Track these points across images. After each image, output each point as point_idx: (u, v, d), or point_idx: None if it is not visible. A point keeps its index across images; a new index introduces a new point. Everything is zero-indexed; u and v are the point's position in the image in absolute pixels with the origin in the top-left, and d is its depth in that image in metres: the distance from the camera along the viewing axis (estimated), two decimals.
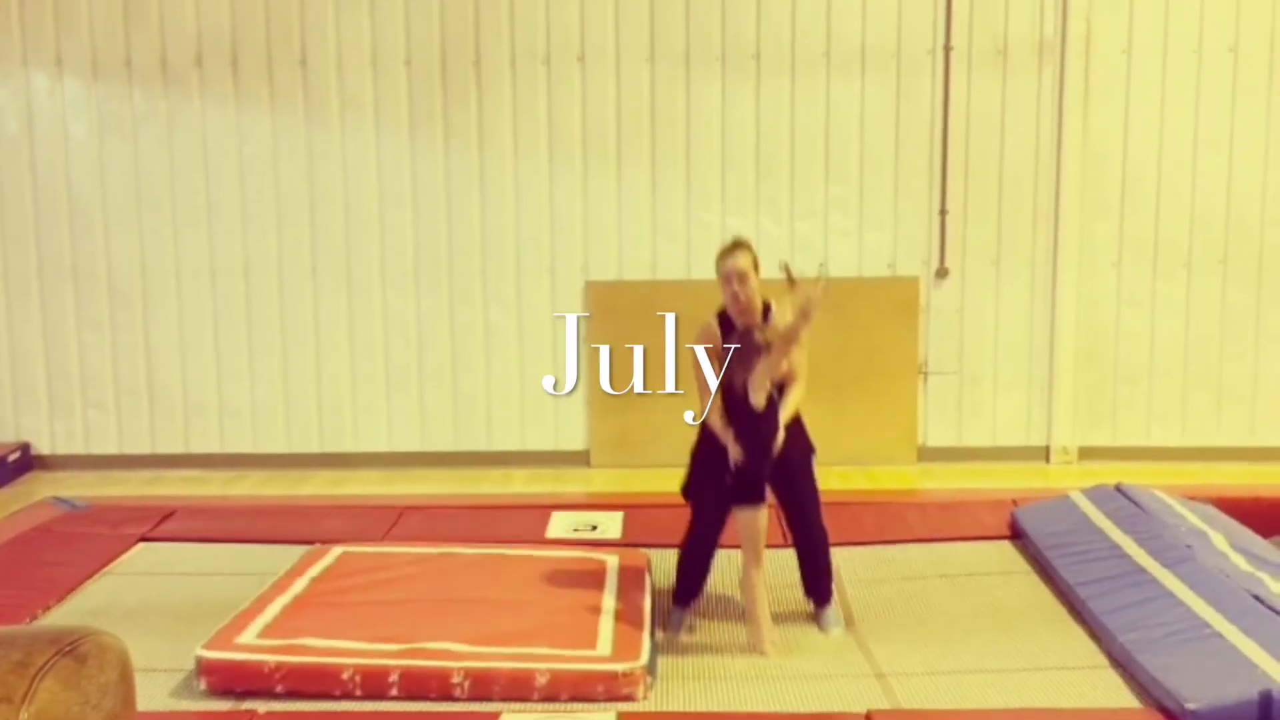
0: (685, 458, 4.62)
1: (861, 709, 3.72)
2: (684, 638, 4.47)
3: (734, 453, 4.27)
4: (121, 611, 4.59)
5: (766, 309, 4.50)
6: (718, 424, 4.39)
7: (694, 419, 4.54)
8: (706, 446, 4.47)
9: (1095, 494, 5.35)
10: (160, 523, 5.64)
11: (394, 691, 3.81)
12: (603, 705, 3.78)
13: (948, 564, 5.11)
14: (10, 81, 7.20)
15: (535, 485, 6.97)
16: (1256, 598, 4.05)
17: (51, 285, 7.32)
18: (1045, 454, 7.35)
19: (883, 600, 4.78)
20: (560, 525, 5.55)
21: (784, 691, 3.93)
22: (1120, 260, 7.26)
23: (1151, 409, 7.34)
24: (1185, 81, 7.11)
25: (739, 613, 4.61)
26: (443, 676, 3.82)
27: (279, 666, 3.82)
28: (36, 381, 7.40)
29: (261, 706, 3.76)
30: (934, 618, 4.56)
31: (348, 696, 3.81)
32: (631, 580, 4.70)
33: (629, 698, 3.82)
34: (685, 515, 4.78)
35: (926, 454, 7.34)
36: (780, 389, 4.42)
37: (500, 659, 3.89)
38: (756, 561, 4.34)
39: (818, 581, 4.67)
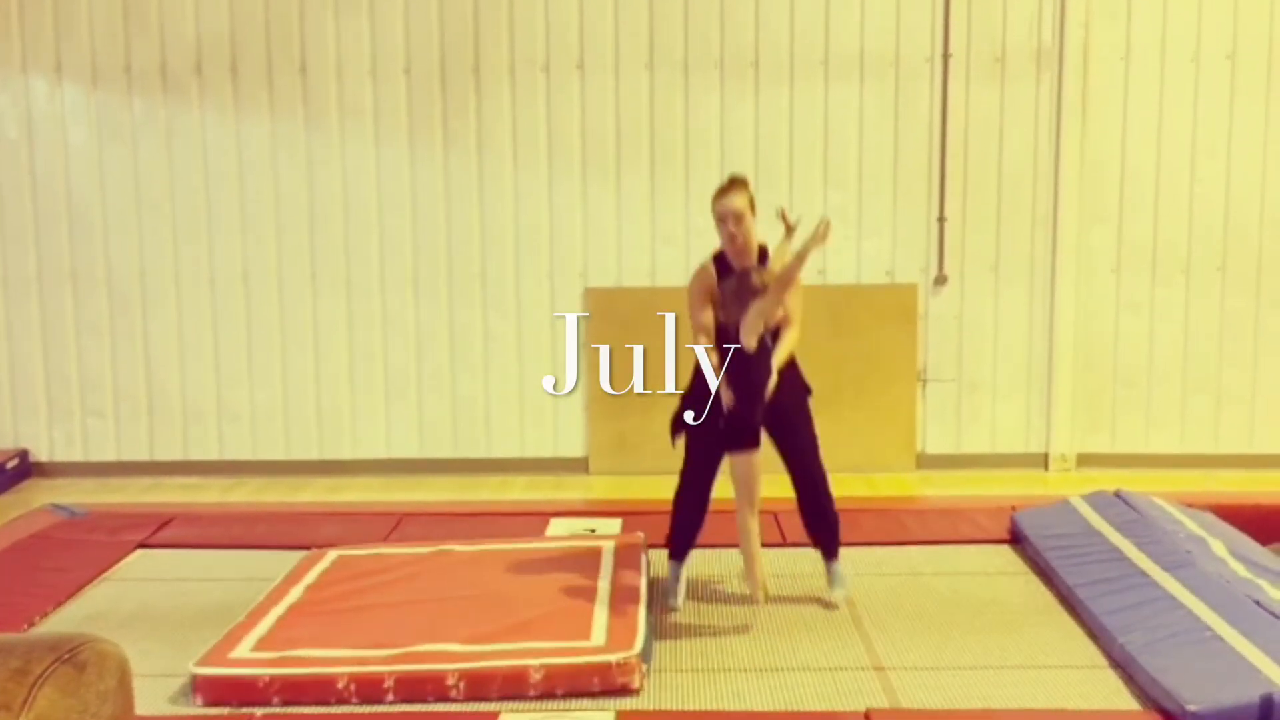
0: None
1: (861, 707, 3.73)
2: (678, 617, 4.45)
3: (726, 397, 4.22)
4: (120, 618, 4.59)
5: (763, 252, 4.43)
6: (711, 368, 4.33)
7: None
8: (699, 390, 4.40)
9: (1095, 499, 5.36)
10: (158, 529, 5.63)
11: (390, 697, 3.81)
12: (600, 701, 3.78)
13: (947, 564, 5.12)
14: (10, 87, 7.21)
15: (534, 492, 6.97)
16: (1256, 603, 4.05)
17: (51, 291, 7.33)
18: (1044, 461, 7.35)
19: (882, 592, 4.79)
20: (559, 531, 5.55)
21: (784, 684, 3.94)
22: (1119, 267, 7.27)
23: (1150, 416, 7.34)
24: (1183, 88, 7.12)
25: (737, 602, 4.62)
26: (438, 679, 3.82)
27: (273, 680, 3.81)
28: (35, 388, 7.40)
29: (260, 710, 3.76)
30: (934, 612, 4.57)
31: (344, 704, 3.81)
32: (627, 562, 4.71)
33: (625, 687, 3.83)
34: None
35: (925, 461, 7.35)
36: (775, 334, 4.37)
37: (494, 657, 3.89)
38: (751, 507, 4.30)
39: (824, 533, 4.62)
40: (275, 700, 3.80)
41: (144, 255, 7.30)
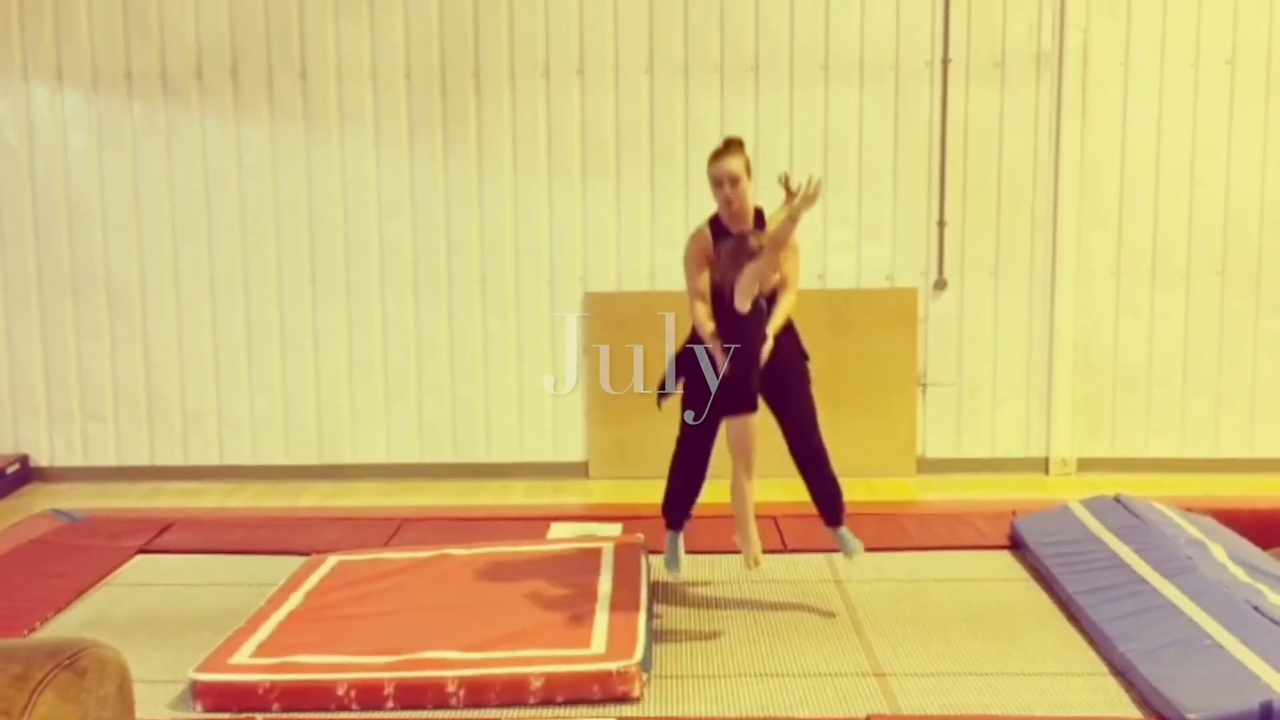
0: None
1: (861, 713, 3.73)
2: (679, 623, 4.44)
3: (721, 360, 4.20)
4: (120, 623, 4.59)
5: (760, 215, 4.38)
6: (706, 332, 4.29)
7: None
8: (693, 356, 4.37)
9: (1094, 504, 5.35)
10: (158, 534, 5.63)
11: (390, 704, 3.80)
12: (600, 708, 3.78)
13: (947, 570, 5.11)
14: (10, 92, 7.22)
15: (534, 497, 6.97)
16: (1256, 609, 4.04)
17: (51, 296, 7.33)
18: (1044, 465, 7.35)
19: (882, 597, 4.79)
20: (559, 536, 5.55)
21: (783, 690, 3.93)
22: (1118, 271, 7.27)
23: (1150, 420, 7.34)
24: (1182, 93, 7.13)
25: (737, 607, 4.62)
26: (438, 687, 3.82)
27: (273, 686, 3.81)
28: (35, 393, 7.40)
29: (260, 716, 3.76)
30: (934, 618, 4.57)
31: (344, 710, 3.81)
32: (627, 568, 4.70)
33: (625, 696, 3.82)
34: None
35: (925, 465, 7.34)
36: (771, 298, 4.34)
37: (495, 664, 3.89)
38: (747, 471, 4.29)
39: (828, 497, 4.57)
40: (275, 706, 3.79)
41: (144, 259, 7.30)
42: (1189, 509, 5.32)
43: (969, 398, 7.36)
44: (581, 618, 4.26)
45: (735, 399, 4.24)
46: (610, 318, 7.22)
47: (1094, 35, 7.10)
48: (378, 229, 7.28)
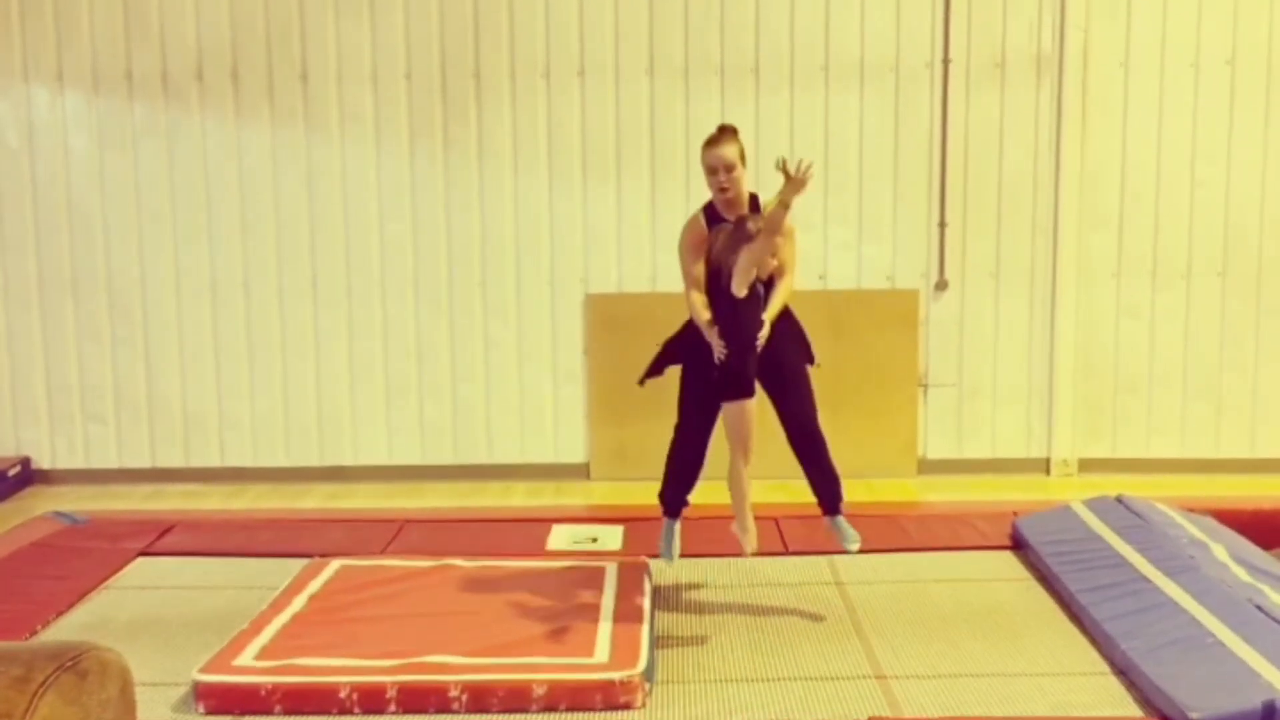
0: None
1: (863, 715, 3.72)
2: (679, 629, 4.44)
3: (717, 348, 4.20)
4: (121, 626, 4.59)
5: (755, 201, 4.36)
6: (702, 321, 4.28)
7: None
8: (690, 343, 4.36)
9: (1096, 504, 5.35)
10: (160, 537, 5.63)
11: (392, 708, 3.80)
12: (602, 717, 3.77)
13: (949, 571, 5.11)
14: (11, 94, 7.22)
15: (535, 498, 6.97)
16: (1259, 608, 4.04)
17: (51, 298, 7.33)
18: (1045, 466, 7.35)
19: (883, 598, 4.78)
20: (561, 538, 5.55)
21: (784, 694, 3.93)
22: (1119, 272, 7.28)
23: (1151, 421, 7.34)
24: (1183, 94, 7.13)
25: (737, 612, 4.61)
26: (440, 691, 3.81)
27: (276, 688, 3.81)
28: (36, 395, 7.40)
29: (262, 719, 3.76)
30: (935, 619, 4.56)
31: (346, 714, 3.81)
32: (631, 580, 4.70)
33: (627, 706, 3.81)
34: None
35: (926, 466, 7.34)
36: (768, 284, 4.33)
37: (497, 671, 3.89)
38: (745, 457, 4.28)
39: (826, 484, 4.54)
40: (277, 709, 3.79)
41: (144, 261, 7.30)
42: (1190, 509, 5.32)
43: (970, 399, 7.36)
44: (585, 627, 4.25)
45: (732, 384, 4.24)
46: (611, 319, 7.22)
47: (1094, 35, 7.10)
48: (378, 230, 7.28)
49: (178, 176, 7.26)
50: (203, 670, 3.91)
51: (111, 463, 7.42)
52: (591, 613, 4.39)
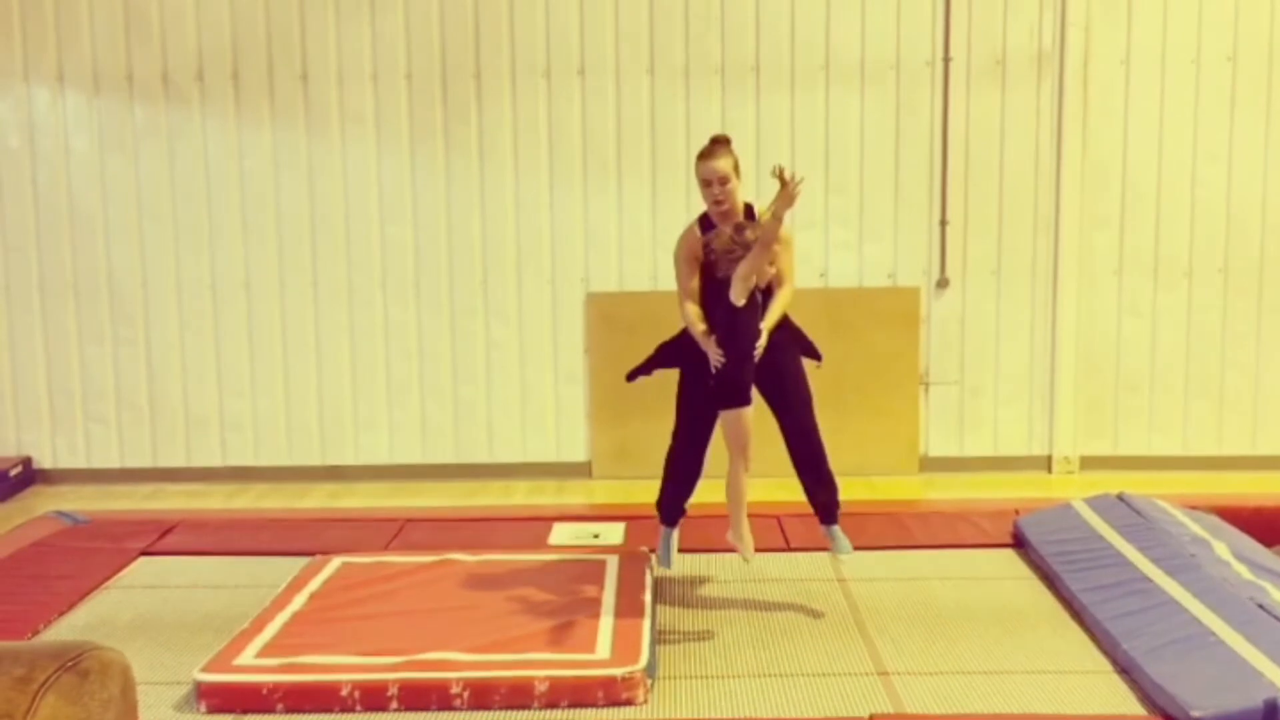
0: None
1: (864, 712, 3.73)
2: (681, 624, 4.43)
3: (714, 356, 4.20)
4: (123, 625, 4.59)
5: (749, 211, 4.36)
6: (698, 332, 4.29)
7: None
8: (687, 351, 4.36)
9: (1098, 502, 5.35)
10: (161, 536, 5.63)
11: (394, 705, 3.81)
12: (604, 713, 3.78)
13: (950, 568, 5.11)
14: (11, 95, 7.22)
15: (537, 497, 6.97)
16: (1261, 606, 4.04)
17: (53, 299, 7.34)
18: (1047, 464, 7.35)
19: (885, 596, 4.78)
20: (562, 536, 5.55)
21: (787, 690, 3.93)
22: (1121, 270, 7.27)
23: (1153, 419, 7.34)
24: (1184, 91, 7.13)
25: (739, 608, 4.61)
26: (442, 688, 3.82)
27: (277, 686, 3.82)
28: (38, 395, 7.40)
29: (264, 717, 3.77)
30: (937, 617, 4.57)
31: (348, 711, 3.81)
32: (632, 576, 4.70)
33: (629, 701, 3.82)
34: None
35: (928, 464, 7.34)
36: (767, 292, 4.33)
37: (499, 667, 3.89)
38: (745, 463, 4.30)
39: (824, 494, 4.53)
40: (279, 707, 3.80)
41: (146, 262, 7.31)
42: (1192, 507, 5.31)
43: (971, 397, 7.36)
44: (587, 623, 4.25)
45: (730, 393, 4.24)
46: (612, 317, 7.22)
47: (1095, 34, 7.10)
48: (379, 230, 7.28)
49: (178, 177, 7.26)
50: (204, 669, 3.91)
51: (113, 462, 7.43)
52: (593, 608, 4.39)
